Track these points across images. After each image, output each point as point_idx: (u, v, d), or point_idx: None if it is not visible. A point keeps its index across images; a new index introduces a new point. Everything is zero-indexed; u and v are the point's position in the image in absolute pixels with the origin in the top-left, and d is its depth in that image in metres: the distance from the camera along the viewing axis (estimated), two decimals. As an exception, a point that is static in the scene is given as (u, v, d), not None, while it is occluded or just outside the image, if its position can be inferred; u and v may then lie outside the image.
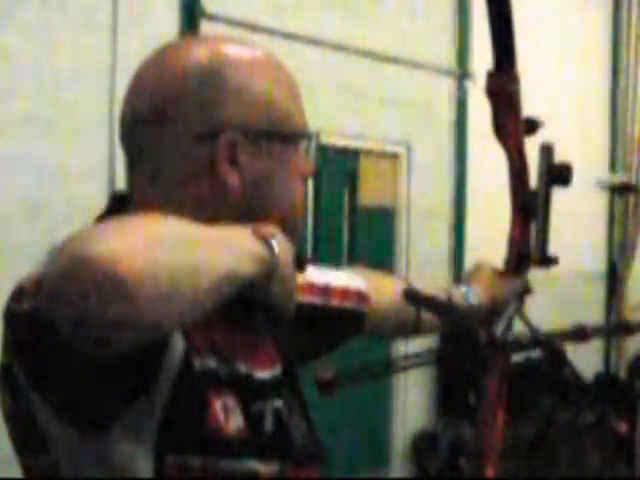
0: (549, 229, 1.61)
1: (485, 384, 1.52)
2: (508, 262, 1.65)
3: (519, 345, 1.51)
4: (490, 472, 1.49)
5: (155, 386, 1.04)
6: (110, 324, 0.90)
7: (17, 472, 1.16)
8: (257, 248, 1.04)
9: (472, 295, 1.62)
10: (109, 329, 0.90)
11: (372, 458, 5.74)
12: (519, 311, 1.60)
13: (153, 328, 0.94)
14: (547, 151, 1.59)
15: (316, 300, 1.43)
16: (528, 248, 1.63)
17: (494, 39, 1.55)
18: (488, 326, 1.51)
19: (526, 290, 1.66)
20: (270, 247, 1.06)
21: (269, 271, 1.06)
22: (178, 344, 1.06)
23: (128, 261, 0.88)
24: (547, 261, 1.62)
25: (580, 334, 1.52)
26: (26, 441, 1.12)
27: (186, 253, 0.95)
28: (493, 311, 1.60)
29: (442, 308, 1.46)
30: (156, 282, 0.90)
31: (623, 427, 5.72)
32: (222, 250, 1.00)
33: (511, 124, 1.59)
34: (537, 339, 1.49)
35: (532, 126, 1.62)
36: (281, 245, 1.08)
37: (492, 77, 1.58)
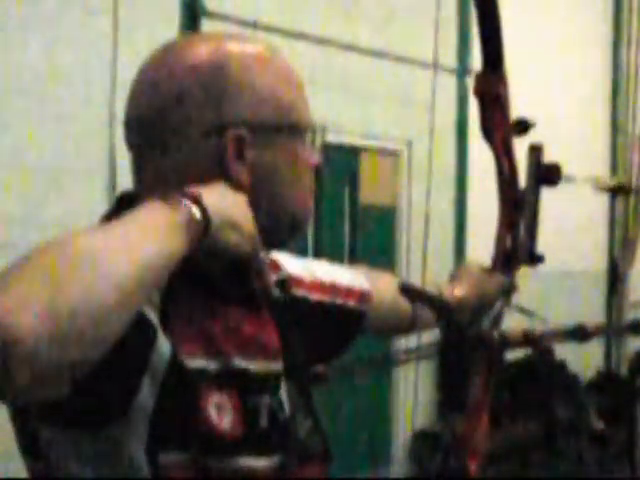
0: (537, 228, 1.62)
1: (472, 380, 1.53)
2: (495, 260, 1.66)
3: (508, 342, 1.52)
4: (473, 467, 1.50)
5: (144, 387, 1.04)
6: (22, 384, 0.84)
7: (17, 472, 1.16)
8: (170, 217, 0.99)
9: (459, 288, 1.63)
10: (26, 388, 0.85)
11: (372, 458, 5.75)
12: (507, 307, 1.61)
13: (73, 366, 0.88)
14: (536, 151, 1.60)
15: (323, 298, 1.43)
16: (515, 247, 1.64)
17: (482, 40, 1.56)
18: (475, 322, 1.52)
19: (512, 288, 1.66)
20: (195, 204, 1.02)
21: (201, 228, 1.02)
22: (164, 345, 1.06)
23: (24, 314, 0.83)
24: (534, 260, 1.63)
25: (580, 334, 1.52)
26: (27, 444, 1.12)
27: (87, 276, 0.87)
28: (479, 307, 1.61)
29: (436, 302, 1.47)
30: (56, 324, 0.84)
31: (600, 425, 5.73)
32: (131, 247, 0.93)
33: (499, 124, 1.60)
34: (527, 337, 1.50)
35: (524, 127, 1.62)
36: (212, 196, 1.05)
37: (480, 78, 1.60)
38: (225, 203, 1.07)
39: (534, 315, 1.67)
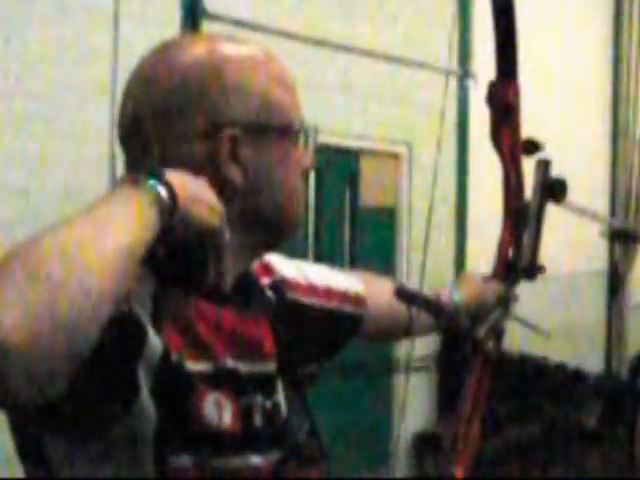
0: (540, 241, 1.63)
1: (466, 387, 1.54)
2: (496, 269, 1.67)
3: (504, 358, 1.53)
4: (460, 472, 1.51)
5: (142, 388, 1.04)
6: (16, 389, 0.85)
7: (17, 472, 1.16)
8: (138, 198, 1.00)
9: (457, 293, 1.63)
10: (19, 393, 0.86)
11: (372, 458, 5.74)
12: (505, 317, 1.62)
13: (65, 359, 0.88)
14: (544, 166, 1.62)
15: (317, 302, 1.43)
16: (517, 258, 1.65)
17: (498, 49, 1.57)
18: (473, 329, 1.53)
19: (511, 298, 1.67)
20: (160, 182, 1.03)
21: (168, 205, 1.02)
22: (155, 345, 1.06)
23: (6, 315, 0.83)
24: (535, 272, 1.65)
25: (579, 378, 1.54)
26: (28, 452, 1.12)
27: (65, 270, 0.87)
28: (477, 314, 1.62)
29: (432, 306, 1.47)
30: (40, 321, 0.84)
31: (591, 421, 5.74)
32: (105, 234, 0.93)
33: (508, 133, 1.61)
34: (523, 360, 1.52)
35: (533, 147, 1.64)
36: (175, 175, 1.05)
37: (493, 86, 1.61)
38: (187, 181, 1.08)
39: (535, 327, 1.67)
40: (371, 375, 5.50)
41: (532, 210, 1.61)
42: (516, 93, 1.60)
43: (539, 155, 1.63)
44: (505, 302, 1.64)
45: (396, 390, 5.82)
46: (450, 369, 5.64)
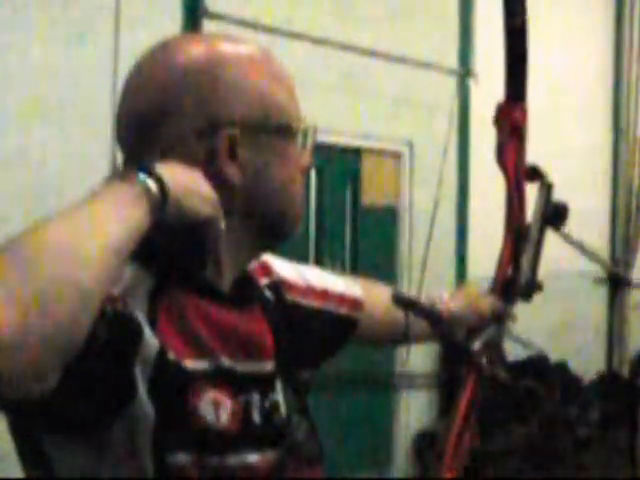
0: (539, 263, 1.65)
1: (457, 398, 1.55)
2: (494, 285, 1.68)
3: (495, 377, 1.54)
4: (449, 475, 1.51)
5: (139, 387, 1.04)
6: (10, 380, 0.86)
7: (17, 472, 1.16)
8: (128, 192, 1.00)
9: (453, 302, 1.63)
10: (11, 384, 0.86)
11: (373, 458, 5.75)
12: (500, 334, 1.63)
13: (60, 348, 0.89)
14: (546, 189, 1.63)
15: (314, 303, 1.43)
16: (516, 279, 1.66)
17: (507, 70, 1.58)
18: (466, 343, 1.54)
19: (508, 316, 1.68)
20: (150, 175, 1.02)
21: (159, 198, 1.02)
22: (151, 343, 1.06)
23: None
24: (532, 293, 1.67)
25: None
26: (28, 453, 1.12)
27: (56, 263, 0.88)
28: (473, 326, 1.62)
29: (429, 313, 1.47)
30: (30, 313, 0.85)
31: (584, 431, 5.76)
32: (95, 228, 0.94)
33: (514, 154, 1.62)
34: (516, 381, 1.53)
35: (534, 174, 1.65)
36: (166, 167, 1.05)
37: (501, 107, 1.61)
38: (179, 173, 1.07)
39: (531, 345, 1.69)
40: (373, 382, 5.51)
41: (532, 233, 1.62)
42: (523, 114, 1.61)
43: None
44: (501, 319, 1.65)
45: (397, 388, 5.83)
46: (450, 376, 5.65)
